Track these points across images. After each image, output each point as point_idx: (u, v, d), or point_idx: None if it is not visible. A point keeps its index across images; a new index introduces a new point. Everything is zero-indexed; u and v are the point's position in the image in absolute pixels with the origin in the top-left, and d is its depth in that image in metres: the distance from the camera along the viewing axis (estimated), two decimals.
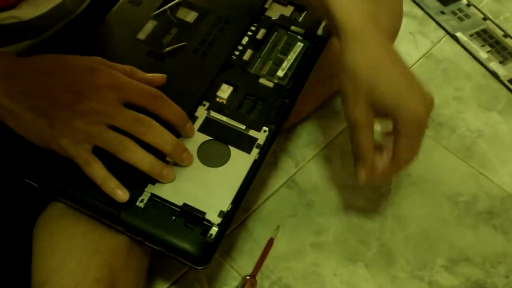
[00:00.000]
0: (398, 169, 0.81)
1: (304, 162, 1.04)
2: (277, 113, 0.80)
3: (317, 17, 0.89)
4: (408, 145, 0.78)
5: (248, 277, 0.89)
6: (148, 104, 0.69)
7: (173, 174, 0.70)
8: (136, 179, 0.69)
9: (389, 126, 0.77)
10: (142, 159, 0.67)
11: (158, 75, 0.74)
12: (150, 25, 0.86)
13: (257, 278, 0.89)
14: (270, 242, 0.93)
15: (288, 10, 0.91)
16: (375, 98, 0.75)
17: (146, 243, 0.69)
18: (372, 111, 0.76)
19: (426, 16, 1.34)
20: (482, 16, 1.35)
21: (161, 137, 0.68)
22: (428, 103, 0.76)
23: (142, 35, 0.85)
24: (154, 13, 0.88)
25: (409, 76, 0.77)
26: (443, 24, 1.32)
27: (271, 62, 0.85)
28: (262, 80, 0.83)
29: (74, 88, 0.66)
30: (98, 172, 0.67)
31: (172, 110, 0.71)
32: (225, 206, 0.70)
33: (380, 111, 0.76)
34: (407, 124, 0.75)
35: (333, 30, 0.79)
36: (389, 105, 0.75)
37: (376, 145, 0.80)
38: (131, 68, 0.73)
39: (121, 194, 0.67)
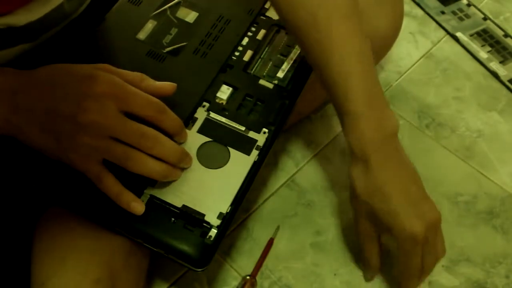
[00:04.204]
0: (406, 283, 0.84)
1: (304, 162, 1.04)
2: (277, 114, 0.80)
3: None
4: (406, 262, 0.81)
5: (248, 277, 0.89)
6: (150, 116, 0.67)
7: (180, 172, 0.71)
8: (135, 181, 0.69)
9: None
10: (154, 170, 0.67)
11: (168, 83, 0.71)
12: (150, 25, 0.86)
13: (257, 278, 0.89)
14: (270, 242, 0.93)
15: None
16: (373, 217, 0.80)
17: (145, 245, 0.69)
18: (374, 225, 0.82)
19: (426, 16, 1.34)
20: (482, 16, 1.35)
21: (168, 150, 0.67)
22: (429, 220, 0.79)
23: (142, 35, 0.85)
24: (154, 13, 0.88)
25: (413, 194, 0.81)
26: (443, 24, 1.32)
27: (271, 63, 0.85)
28: (262, 81, 0.83)
29: (74, 99, 0.64)
30: (111, 187, 0.66)
31: (173, 122, 0.70)
32: (225, 208, 0.71)
33: (381, 227, 0.81)
34: (401, 242, 0.79)
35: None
36: (385, 224, 0.79)
37: None
38: (141, 75, 0.70)
39: (138, 207, 0.67)
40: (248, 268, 0.90)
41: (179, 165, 0.70)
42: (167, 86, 0.72)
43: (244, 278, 0.89)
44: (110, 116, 0.64)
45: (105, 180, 0.66)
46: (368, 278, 0.91)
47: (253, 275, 0.89)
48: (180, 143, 0.73)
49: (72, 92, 0.64)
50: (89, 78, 0.65)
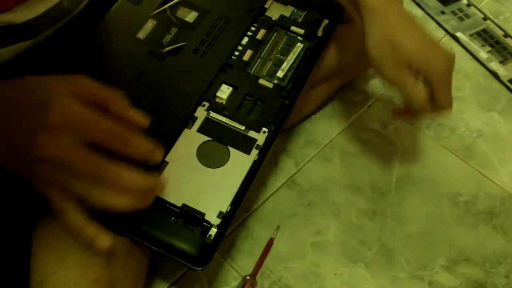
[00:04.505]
0: (439, 111, 0.89)
1: (304, 162, 1.04)
2: (276, 114, 0.80)
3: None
4: (443, 93, 0.87)
5: (248, 277, 0.89)
6: (112, 145, 0.60)
7: (152, 196, 0.65)
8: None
9: None
10: (118, 205, 0.61)
11: (141, 117, 0.65)
12: (150, 25, 0.86)
13: (257, 278, 0.89)
14: (270, 242, 0.93)
15: (288, 10, 0.91)
16: (402, 58, 0.83)
17: (145, 243, 0.69)
18: (407, 68, 0.84)
19: (426, 16, 1.34)
20: (482, 16, 1.35)
21: (130, 182, 0.61)
22: (450, 58, 0.86)
23: (141, 35, 0.85)
24: (154, 12, 0.87)
25: (430, 38, 0.86)
26: (443, 24, 1.32)
27: (271, 62, 0.85)
28: (262, 81, 0.83)
29: (28, 131, 0.58)
30: (75, 220, 0.61)
31: (140, 150, 0.62)
32: (225, 207, 0.71)
33: (414, 66, 0.84)
34: (436, 79, 0.85)
35: (352, 9, 0.88)
36: (416, 65, 0.83)
37: None
38: (116, 96, 0.65)
39: (104, 241, 0.62)
40: (248, 268, 0.90)
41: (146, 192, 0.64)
42: (139, 119, 0.65)
43: (244, 278, 0.89)
44: (66, 151, 0.58)
45: (68, 211, 0.61)
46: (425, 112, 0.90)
47: (253, 275, 0.89)
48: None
49: (27, 121, 0.59)
50: (46, 106, 0.58)
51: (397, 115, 0.97)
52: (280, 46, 0.87)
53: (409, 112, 0.93)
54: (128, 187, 0.61)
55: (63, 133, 0.58)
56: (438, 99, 0.86)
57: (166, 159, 0.73)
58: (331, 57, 0.96)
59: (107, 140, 0.60)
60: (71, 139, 0.58)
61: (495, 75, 1.23)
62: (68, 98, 0.59)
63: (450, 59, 0.85)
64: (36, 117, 0.58)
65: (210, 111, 0.78)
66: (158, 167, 0.72)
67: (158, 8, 0.88)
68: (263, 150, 0.77)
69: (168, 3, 0.88)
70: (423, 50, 0.84)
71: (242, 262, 0.91)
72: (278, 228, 0.95)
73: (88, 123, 0.59)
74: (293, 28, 0.88)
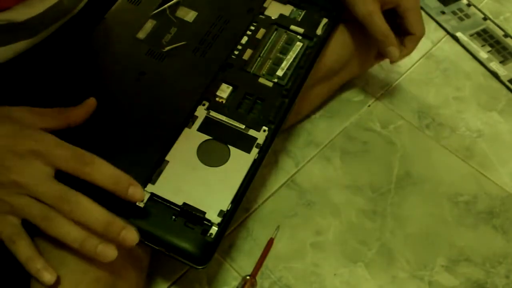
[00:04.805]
0: (417, 42, 1.00)
1: (304, 162, 1.04)
2: (276, 112, 0.80)
3: None
4: (414, 17, 0.97)
5: (248, 277, 0.88)
6: (75, 170, 0.61)
7: (111, 252, 0.61)
8: (136, 177, 0.69)
9: None
10: (69, 236, 0.61)
11: (89, 101, 0.71)
12: (149, 24, 0.86)
13: (257, 278, 0.89)
14: (270, 242, 0.93)
15: (287, 10, 0.91)
16: None
17: (146, 242, 0.69)
18: (377, 2, 0.91)
19: (426, 16, 1.34)
20: (482, 16, 1.35)
21: (89, 216, 0.60)
22: None
23: (141, 34, 0.85)
24: (154, 12, 0.87)
25: None
26: (443, 24, 1.32)
27: (270, 61, 0.85)
28: (262, 80, 0.83)
29: None
30: (23, 250, 0.62)
31: (106, 175, 0.62)
32: (225, 205, 0.71)
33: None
34: (405, 3, 0.94)
35: None
36: None
37: None
38: (58, 110, 0.68)
39: (46, 276, 0.61)
40: (248, 268, 0.90)
41: (110, 237, 0.62)
42: (89, 104, 0.71)
43: (244, 278, 0.89)
44: (33, 176, 0.60)
45: (18, 241, 0.62)
46: (396, 53, 0.96)
47: (253, 275, 0.89)
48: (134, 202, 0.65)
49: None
50: (12, 135, 0.62)
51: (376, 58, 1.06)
52: (280, 45, 0.87)
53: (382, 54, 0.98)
54: (84, 218, 0.60)
55: (33, 159, 0.60)
56: (410, 25, 0.95)
57: (167, 158, 0.73)
58: (330, 56, 0.96)
59: (71, 165, 0.61)
60: (41, 165, 0.60)
61: (495, 75, 1.23)
62: (33, 126, 0.64)
63: None
64: (6, 144, 0.60)
65: (210, 110, 0.78)
66: (159, 166, 0.72)
67: (158, 8, 0.88)
68: (263, 149, 0.77)
69: (167, 2, 0.88)
70: None
71: (242, 262, 0.91)
72: (278, 228, 0.95)
73: (54, 151, 0.61)
74: (292, 27, 0.88)
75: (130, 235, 0.62)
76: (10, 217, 0.62)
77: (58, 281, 0.64)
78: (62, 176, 0.62)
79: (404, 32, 0.98)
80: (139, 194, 0.64)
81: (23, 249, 0.62)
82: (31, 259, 0.62)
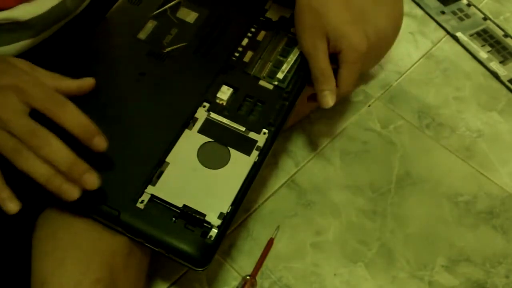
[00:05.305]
0: (339, 96, 0.87)
1: (304, 162, 1.05)
2: (277, 115, 0.80)
3: None
4: (349, 73, 0.85)
5: (248, 277, 0.89)
6: (48, 111, 0.63)
7: (75, 192, 0.63)
8: (136, 179, 0.70)
9: None
10: (38, 171, 0.62)
11: (86, 79, 0.71)
12: (150, 25, 0.86)
13: (257, 278, 0.89)
14: (270, 242, 0.93)
15: (288, 12, 0.91)
16: (324, 26, 0.82)
17: (146, 244, 0.69)
18: (325, 40, 0.83)
19: (426, 16, 1.34)
20: (482, 16, 1.35)
21: (56, 154, 0.62)
22: (364, 41, 0.84)
23: (142, 35, 0.85)
24: (154, 13, 0.88)
25: (356, 14, 0.85)
26: (443, 24, 1.32)
27: (271, 64, 0.85)
28: (262, 82, 0.83)
29: None
30: None
31: (76, 121, 0.64)
32: (225, 208, 0.71)
33: (330, 41, 0.83)
34: (348, 51, 0.83)
35: None
36: (337, 33, 0.82)
37: None
38: (52, 74, 0.70)
39: (11, 206, 0.63)
40: (248, 268, 0.91)
41: (72, 177, 0.63)
42: (86, 80, 0.71)
43: (244, 278, 0.89)
44: (8, 109, 0.62)
45: None
46: (331, 99, 0.86)
47: (253, 275, 0.89)
48: (98, 151, 0.66)
49: None
50: (4, 69, 0.65)
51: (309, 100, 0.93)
52: (280, 47, 0.87)
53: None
54: (51, 156, 0.62)
55: (11, 93, 0.62)
56: (339, 76, 0.85)
57: (167, 159, 0.73)
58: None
59: (43, 101, 0.63)
60: (17, 100, 0.62)
61: (495, 75, 1.23)
62: (22, 69, 0.66)
63: (368, 44, 0.84)
64: None
65: (211, 112, 0.78)
66: (159, 168, 0.72)
67: (159, 9, 0.88)
68: (264, 151, 0.77)
69: (168, 3, 0.88)
70: (342, 20, 0.83)
71: (242, 262, 0.92)
72: (278, 228, 0.95)
73: (32, 89, 0.63)
74: (293, 29, 0.88)
75: (92, 178, 0.63)
76: None
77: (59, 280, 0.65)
78: (39, 118, 0.63)
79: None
80: (103, 144, 0.65)
81: None
82: None
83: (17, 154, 0.62)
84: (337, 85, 0.85)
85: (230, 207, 0.71)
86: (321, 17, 0.82)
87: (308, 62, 0.85)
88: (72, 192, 0.63)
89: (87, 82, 0.71)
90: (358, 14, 0.85)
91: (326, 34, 0.83)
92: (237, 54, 0.85)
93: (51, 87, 0.67)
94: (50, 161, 0.62)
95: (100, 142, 0.65)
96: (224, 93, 0.80)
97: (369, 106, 1.14)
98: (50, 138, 0.62)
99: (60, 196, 0.63)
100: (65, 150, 0.62)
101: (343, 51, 0.83)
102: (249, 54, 0.85)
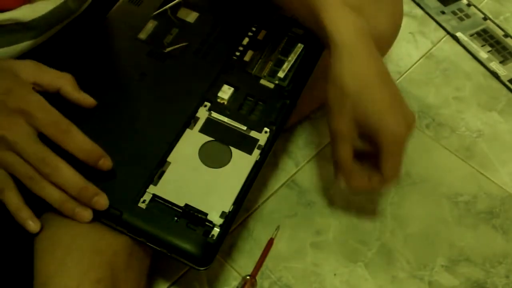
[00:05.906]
0: (387, 184, 0.83)
1: (304, 162, 1.04)
2: (278, 114, 0.80)
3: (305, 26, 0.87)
4: (391, 162, 0.80)
5: (248, 277, 0.89)
6: (53, 137, 0.66)
7: (87, 214, 0.68)
8: (138, 179, 0.69)
9: None
10: (51, 196, 0.66)
11: (88, 98, 0.72)
12: (150, 25, 0.86)
13: (257, 278, 0.89)
14: (270, 242, 0.93)
15: None
16: (358, 113, 0.77)
17: (148, 244, 0.69)
18: (355, 125, 0.78)
19: (426, 16, 1.34)
20: (482, 16, 1.35)
21: (65, 180, 0.66)
22: (410, 122, 0.79)
23: (143, 35, 0.85)
24: (155, 13, 0.87)
25: (394, 94, 0.79)
26: (443, 24, 1.32)
27: (271, 63, 0.85)
28: (263, 81, 0.83)
29: None
30: (11, 200, 0.67)
31: (80, 146, 0.67)
32: (227, 207, 0.71)
33: (362, 128, 0.78)
34: (388, 144, 0.77)
35: (323, 40, 0.80)
36: (371, 123, 0.77)
37: (358, 153, 0.83)
38: (64, 76, 0.72)
39: (32, 225, 0.67)
40: (248, 268, 0.90)
41: (83, 201, 0.67)
42: (87, 100, 0.72)
43: (244, 278, 0.89)
44: (18, 134, 0.65)
45: (6, 191, 0.67)
46: (341, 185, 0.84)
47: (253, 275, 0.89)
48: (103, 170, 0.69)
49: None
50: (6, 92, 0.66)
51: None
52: (281, 46, 0.87)
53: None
54: (61, 182, 0.66)
55: (19, 117, 0.64)
56: (383, 168, 0.80)
57: (169, 159, 0.73)
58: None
59: (48, 126, 0.65)
60: (26, 125, 0.64)
61: (495, 75, 1.23)
62: (29, 86, 0.68)
63: (410, 124, 0.79)
64: (3, 99, 0.65)
65: (212, 112, 0.78)
66: (160, 168, 0.72)
67: (159, 9, 0.88)
68: (265, 150, 0.77)
69: (169, 3, 0.88)
70: (380, 109, 0.77)
71: (242, 262, 0.91)
72: (278, 228, 0.95)
73: (39, 114, 0.65)
74: (293, 28, 0.88)
75: (102, 201, 0.68)
76: (1, 168, 0.66)
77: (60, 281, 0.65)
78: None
79: (375, 163, 0.82)
80: (107, 164, 0.68)
81: (12, 198, 0.67)
82: (19, 209, 0.67)
83: (32, 182, 0.65)
84: (380, 170, 0.80)
85: (232, 206, 0.71)
86: (354, 105, 0.77)
87: (331, 143, 0.82)
88: (84, 216, 0.67)
89: (88, 102, 0.73)
90: (396, 94, 0.79)
91: (359, 122, 0.78)
92: (237, 54, 0.85)
93: (55, 88, 0.70)
94: (61, 187, 0.66)
95: (104, 164, 0.68)
96: (225, 93, 0.80)
97: None
98: (59, 165, 0.65)
99: (74, 218, 0.67)
100: (74, 176, 0.66)
101: (383, 144, 0.78)
102: (250, 53, 0.85)
